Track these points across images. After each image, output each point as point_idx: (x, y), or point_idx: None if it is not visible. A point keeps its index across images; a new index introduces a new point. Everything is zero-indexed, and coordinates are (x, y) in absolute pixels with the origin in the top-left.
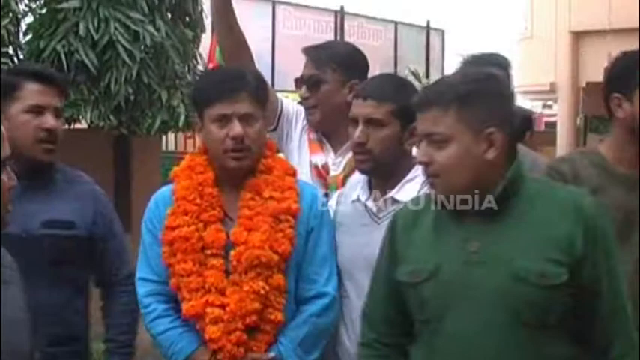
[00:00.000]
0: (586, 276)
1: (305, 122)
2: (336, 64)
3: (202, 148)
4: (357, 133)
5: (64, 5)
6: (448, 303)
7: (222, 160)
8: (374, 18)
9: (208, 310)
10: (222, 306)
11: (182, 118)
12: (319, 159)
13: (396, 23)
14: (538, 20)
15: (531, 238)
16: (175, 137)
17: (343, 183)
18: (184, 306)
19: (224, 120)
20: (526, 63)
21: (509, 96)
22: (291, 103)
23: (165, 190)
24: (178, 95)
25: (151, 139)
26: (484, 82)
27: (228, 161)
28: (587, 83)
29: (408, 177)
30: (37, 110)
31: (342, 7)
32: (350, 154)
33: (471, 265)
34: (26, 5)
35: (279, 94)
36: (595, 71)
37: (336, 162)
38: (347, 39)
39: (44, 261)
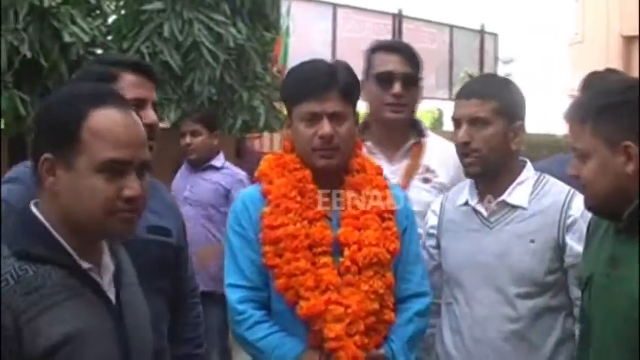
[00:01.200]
0: None
1: None
2: (420, 68)
3: (289, 145)
4: (461, 132)
5: (148, 7)
6: (592, 313)
7: (310, 158)
8: (430, 21)
9: (331, 307)
10: (342, 305)
11: (262, 118)
12: None
13: (451, 27)
14: (589, 24)
15: None
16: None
17: (404, 190)
18: (304, 305)
19: (313, 118)
20: (577, 67)
21: None
22: None
23: (252, 191)
24: (258, 96)
25: (228, 138)
26: (621, 95)
27: (317, 159)
28: None
29: (519, 179)
30: (137, 104)
31: (399, 11)
32: (407, 161)
33: (610, 279)
34: (107, 6)
35: None
36: None
37: (393, 170)
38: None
39: (145, 267)
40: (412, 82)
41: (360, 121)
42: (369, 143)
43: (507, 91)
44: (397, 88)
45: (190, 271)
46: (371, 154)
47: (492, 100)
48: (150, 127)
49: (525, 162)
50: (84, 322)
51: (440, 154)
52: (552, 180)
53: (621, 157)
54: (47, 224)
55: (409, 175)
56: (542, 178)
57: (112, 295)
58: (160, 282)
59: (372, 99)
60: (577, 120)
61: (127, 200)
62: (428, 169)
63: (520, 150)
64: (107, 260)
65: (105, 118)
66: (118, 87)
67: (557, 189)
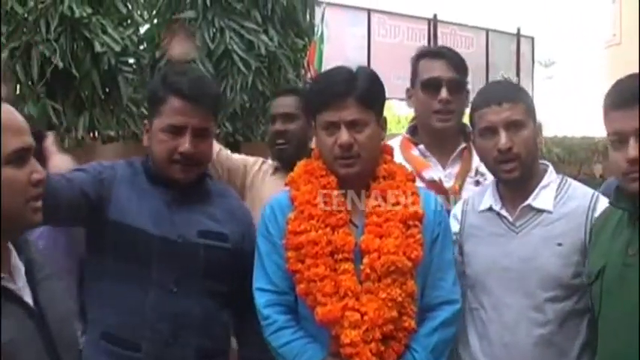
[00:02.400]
0: None
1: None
2: (467, 72)
3: (317, 152)
4: (503, 139)
5: (180, 15)
6: (606, 304)
7: (332, 166)
8: (465, 25)
9: (348, 314)
10: (359, 312)
11: None
12: (433, 173)
13: (487, 31)
14: (627, 26)
15: None
16: None
17: (459, 192)
18: (320, 311)
19: (332, 127)
20: (614, 69)
21: None
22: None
23: (280, 197)
24: None
25: (259, 145)
26: None
27: (338, 168)
28: None
29: (543, 183)
30: (174, 131)
31: (435, 15)
32: (459, 165)
33: (627, 267)
34: (139, 15)
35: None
36: None
37: (447, 174)
38: None
39: (197, 270)
40: (459, 87)
41: (410, 123)
42: (422, 146)
43: (524, 93)
44: (444, 94)
45: None
46: (425, 157)
47: (520, 101)
48: (183, 155)
49: (547, 165)
50: (8, 335)
51: None
52: (575, 183)
53: None
54: None
55: (462, 178)
56: (565, 181)
57: (28, 298)
58: (212, 285)
59: (419, 106)
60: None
61: (36, 184)
62: (478, 172)
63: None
64: (16, 262)
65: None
66: (163, 111)
67: (581, 192)
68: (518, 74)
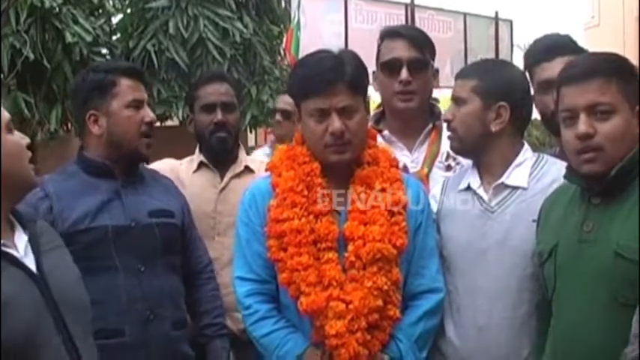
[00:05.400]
0: None
1: None
2: (432, 50)
3: (299, 138)
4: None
5: (153, 4)
6: (561, 281)
7: (322, 154)
8: (443, 10)
9: (332, 304)
10: (344, 301)
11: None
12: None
13: (465, 15)
14: (605, 8)
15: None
16: (255, 132)
17: (427, 178)
18: (304, 301)
19: (322, 114)
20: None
21: None
22: None
23: (261, 183)
24: (267, 90)
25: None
26: (627, 61)
27: (329, 155)
28: None
29: (517, 161)
30: (136, 105)
31: (412, 0)
32: (425, 147)
33: (583, 243)
34: (111, 5)
35: None
36: None
37: (414, 159)
38: None
39: (157, 248)
40: (420, 66)
41: (375, 110)
42: (386, 132)
43: (490, 72)
44: (404, 74)
45: (201, 248)
46: (390, 142)
47: (471, 79)
48: (150, 125)
49: (523, 144)
50: (6, 291)
51: None
52: (552, 159)
53: (635, 120)
54: None
55: (430, 162)
56: (541, 158)
57: (31, 264)
58: (170, 260)
59: (381, 89)
60: (603, 75)
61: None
62: (449, 156)
63: (504, 131)
64: (20, 234)
65: None
66: (119, 91)
67: (557, 167)
68: (497, 58)
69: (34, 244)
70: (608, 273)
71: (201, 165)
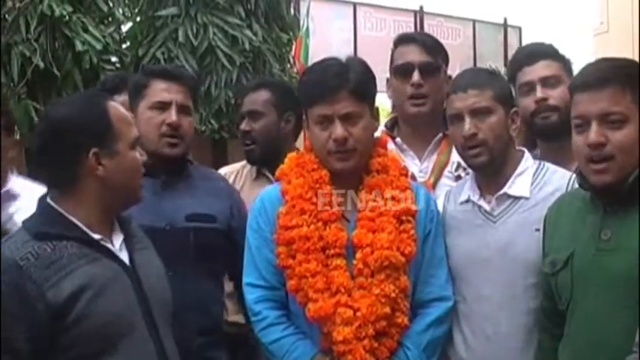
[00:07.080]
0: None
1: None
2: (445, 57)
3: (309, 145)
4: (466, 125)
5: (162, 12)
6: (579, 291)
7: (326, 160)
8: (452, 17)
9: (340, 310)
10: (352, 308)
11: None
12: None
13: (474, 21)
14: (614, 14)
15: None
16: None
17: (433, 188)
18: (312, 307)
19: (325, 121)
20: (602, 57)
21: None
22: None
23: (271, 190)
24: None
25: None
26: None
27: (333, 162)
28: None
29: (518, 170)
30: (161, 106)
31: (421, 7)
32: (435, 157)
33: (601, 252)
34: (120, 13)
35: None
36: None
37: (423, 168)
38: None
39: (190, 253)
40: (432, 70)
41: (389, 117)
42: (398, 140)
43: (497, 79)
44: (416, 77)
45: None
46: (402, 150)
47: (488, 88)
48: (171, 126)
49: (523, 152)
50: (101, 275)
51: None
52: (553, 167)
53: None
54: (61, 210)
55: (438, 172)
56: (542, 166)
57: (125, 257)
58: (207, 265)
59: (394, 94)
60: (617, 83)
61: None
62: (460, 166)
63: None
64: (117, 232)
65: None
66: (147, 93)
67: (559, 175)
68: (506, 65)
69: (128, 242)
70: (630, 281)
71: (258, 174)
